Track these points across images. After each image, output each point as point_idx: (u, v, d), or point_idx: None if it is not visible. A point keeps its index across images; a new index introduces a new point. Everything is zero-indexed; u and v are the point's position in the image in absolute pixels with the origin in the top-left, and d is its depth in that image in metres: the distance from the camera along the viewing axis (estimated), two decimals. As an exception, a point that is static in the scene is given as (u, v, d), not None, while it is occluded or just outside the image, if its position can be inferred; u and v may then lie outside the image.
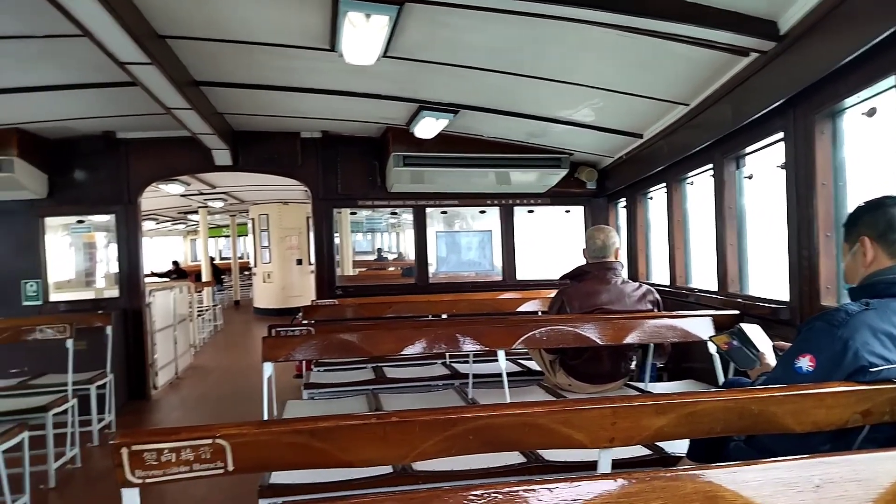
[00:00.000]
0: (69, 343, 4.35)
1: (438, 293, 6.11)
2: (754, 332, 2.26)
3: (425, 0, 2.80)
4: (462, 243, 7.03)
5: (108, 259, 7.60)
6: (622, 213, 6.26)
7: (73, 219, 6.65)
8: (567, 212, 6.72)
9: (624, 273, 3.70)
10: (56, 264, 6.39)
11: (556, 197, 6.54)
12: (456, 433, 1.49)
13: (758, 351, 2.21)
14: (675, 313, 3.52)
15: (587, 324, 3.17)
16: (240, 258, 18.76)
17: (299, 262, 13.73)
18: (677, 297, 4.56)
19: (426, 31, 3.46)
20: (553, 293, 3.92)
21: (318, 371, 4.65)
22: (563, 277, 3.78)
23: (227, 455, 1.40)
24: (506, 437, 1.53)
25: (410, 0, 2.84)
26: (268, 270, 13.76)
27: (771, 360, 2.20)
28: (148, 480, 1.39)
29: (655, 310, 3.59)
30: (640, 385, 3.70)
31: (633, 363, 3.70)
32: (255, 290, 14.89)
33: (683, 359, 4.32)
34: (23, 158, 5.42)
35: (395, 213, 7.96)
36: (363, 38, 3.19)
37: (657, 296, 3.65)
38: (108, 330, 5.06)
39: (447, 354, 4.71)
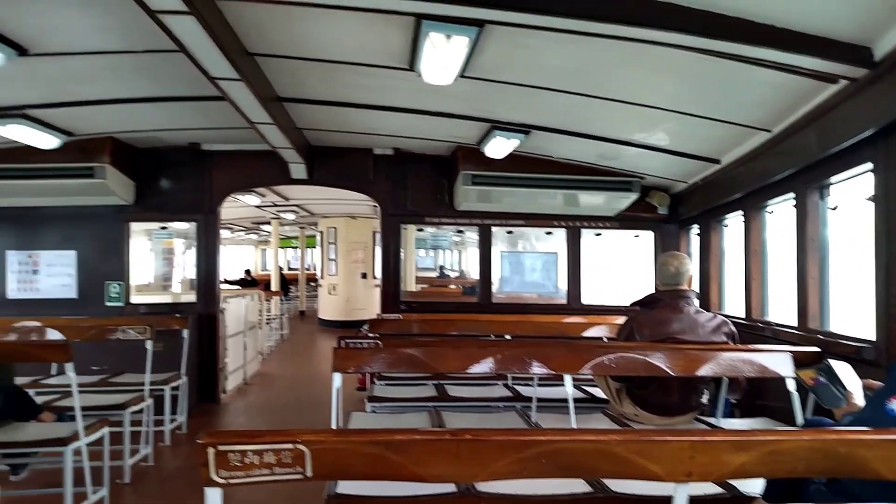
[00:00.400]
0: (148, 344, 4.54)
1: (500, 313, 6.09)
2: (843, 369, 2.16)
3: (505, 22, 2.84)
4: (526, 264, 7.00)
5: (184, 265, 7.93)
6: (695, 240, 6.09)
7: (156, 225, 6.98)
8: (636, 236, 6.61)
9: (697, 302, 3.60)
10: (137, 268, 6.71)
11: (625, 221, 6.44)
12: (529, 455, 1.48)
13: (845, 389, 2.11)
14: (752, 347, 3.38)
15: (658, 353, 3.09)
16: (306, 269, 19.25)
17: (364, 275, 13.97)
18: (753, 331, 4.39)
19: (504, 52, 3.50)
20: (620, 320, 3.85)
21: (381, 385, 4.70)
22: (633, 304, 3.71)
23: (307, 461, 1.43)
24: (579, 463, 1.51)
25: (491, 22, 2.89)
26: (333, 283, 14.06)
27: (859, 400, 2.09)
28: (231, 481, 1.43)
29: (730, 342, 3.46)
30: (712, 420, 3.57)
31: (705, 397, 3.58)
32: (320, 301, 15.23)
33: (758, 395, 4.14)
34: (114, 166, 5.76)
35: (460, 232, 8.00)
36: (442, 58, 3.26)
37: (733, 328, 3.52)
38: (185, 333, 5.29)
39: (509, 376, 4.69)
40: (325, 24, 3.36)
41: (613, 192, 5.95)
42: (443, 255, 18.90)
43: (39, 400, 4.02)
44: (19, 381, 4.15)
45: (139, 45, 3.65)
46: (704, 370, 3.12)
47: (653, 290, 3.66)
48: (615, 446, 1.49)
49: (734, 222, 5.19)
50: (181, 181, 6.39)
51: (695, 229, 6.03)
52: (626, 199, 6.02)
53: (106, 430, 3.76)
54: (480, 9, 2.66)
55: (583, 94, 4.10)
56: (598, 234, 6.60)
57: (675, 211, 6.17)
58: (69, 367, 3.32)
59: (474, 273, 6.87)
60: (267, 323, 10.44)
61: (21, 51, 3.47)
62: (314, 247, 18.14)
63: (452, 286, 13.76)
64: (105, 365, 5.48)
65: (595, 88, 4.02)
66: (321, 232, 14.70)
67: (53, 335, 4.66)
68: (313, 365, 9.69)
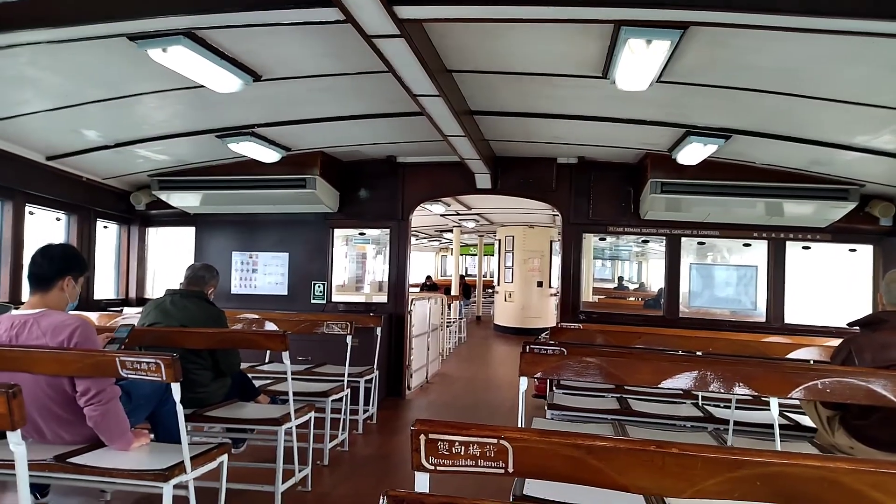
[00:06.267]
0: (349, 339, 4.95)
1: (688, 328, 5.77)
2: None
3: (712, 22, 2.70)
4: (719, 278, 6.55)
5: (373, 268, 8.51)
6: (926, 256, 5.31)
7: (355, 231, 7.59)
8: (852, 250, 5.90)
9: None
10: (337, 270, 7.35)
11: (838, 233, 5.79)
12: (742, 476, 1.39)
13: None
14: None
15: (885, 380, 2.73)
16: (484, 277, 19.73)
17: (539, 284, 14.00)
18: None
19: (705, 54, 3.33)
20: (832, 342, 3.46)
21: (560, 393, 4.67)
22: (852, 324, 3.32)
23: (509, 457, 1.49)
24: (799, 491, 1.39)
25: (696, 23, 2.77)
26: (509, 290, 14.26)
27: None
28: (439, 468, 1.52)
29: (975, 374, 2.96)
30: (948, 462, 3.07)
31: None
32: (496, 307, 15.54)
33: None
34: (323, 177, 6.37)
35: (644, 242, 7.72)
36: (640, 64, 3.19)
37: (978, 357, 3.02)
38: (378, 331, 5.70)
39: (699, 395, 4.43)
40: (521, 38, 3.43)
41: (825, 201, 5.39)
42: (621, 265, 18.34)
43: (256, 384, 4.54)
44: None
45: (351, 68, 4.00)
46: (942, 404, 2.70)
47: (873, 311, 3.26)
48: (843, 475, 1.35)
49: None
50: (378, 191, 6.90)
51: (927, 244, 5.26)
52: (840, 209, 5.42)
53: (312, 415, 4.12)
54: (685, 10, 2.56)
55: (792, 94, 3.78)
56: (807, 248, 6.00)
57: (903, 222, 5.43)
58: (285, 355, 3.66)
59: (655, 285, 6.56)
60: (447, 326, 10.85)
61: (256, 77, 3.99)
62: (492, 254, 18.55)
63: (631, 298, 13.28)
64: (308, 356, 6.05)
65: (809, 88, 3.68)
66: (499, 240, 14.99)
67: (270, 327, 5.27)
68: (490, 369, 9.90)
